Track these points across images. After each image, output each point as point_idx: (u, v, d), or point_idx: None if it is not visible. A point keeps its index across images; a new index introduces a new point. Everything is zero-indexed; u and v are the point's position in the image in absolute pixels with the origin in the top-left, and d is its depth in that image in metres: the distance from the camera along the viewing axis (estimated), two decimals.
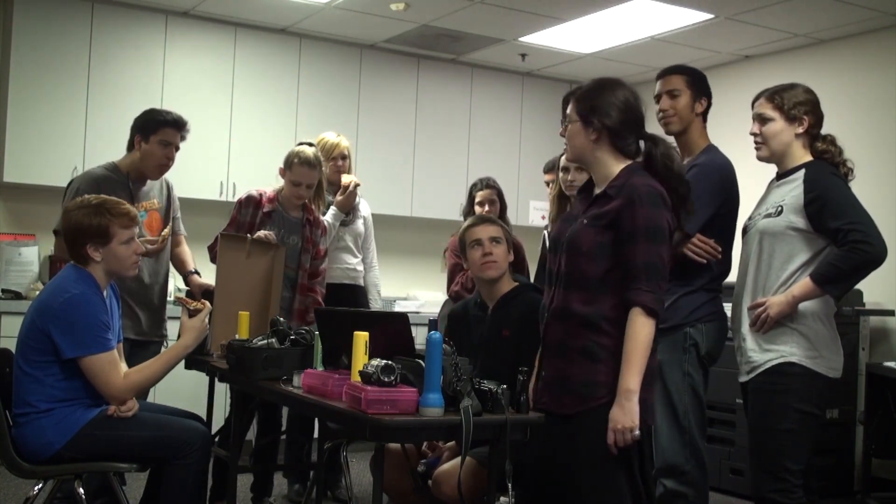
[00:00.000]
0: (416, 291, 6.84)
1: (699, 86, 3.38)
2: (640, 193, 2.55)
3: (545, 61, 7.04)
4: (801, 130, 3.10)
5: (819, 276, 2.95)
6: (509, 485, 2.71)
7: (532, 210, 7.07)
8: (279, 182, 4.29)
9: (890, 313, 5.55)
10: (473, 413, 2.60)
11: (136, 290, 3.97)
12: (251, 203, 4.18)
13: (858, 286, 5.19)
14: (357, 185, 4.53)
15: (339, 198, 4.52)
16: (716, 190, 3.24)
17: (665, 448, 3.17)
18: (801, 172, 3.07)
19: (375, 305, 4.91)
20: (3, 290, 5.58)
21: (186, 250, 4.29)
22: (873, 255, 2.92)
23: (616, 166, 2.66)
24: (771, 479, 3.00)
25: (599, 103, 2.64)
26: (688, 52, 6.33)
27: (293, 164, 4.18)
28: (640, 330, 2.50)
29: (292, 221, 4.25)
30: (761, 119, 3.14)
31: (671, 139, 3.42)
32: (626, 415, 2.49)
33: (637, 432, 2.49)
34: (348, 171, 4.68)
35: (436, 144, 7.00)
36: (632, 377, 2.49)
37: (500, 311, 3.30)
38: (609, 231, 2.58)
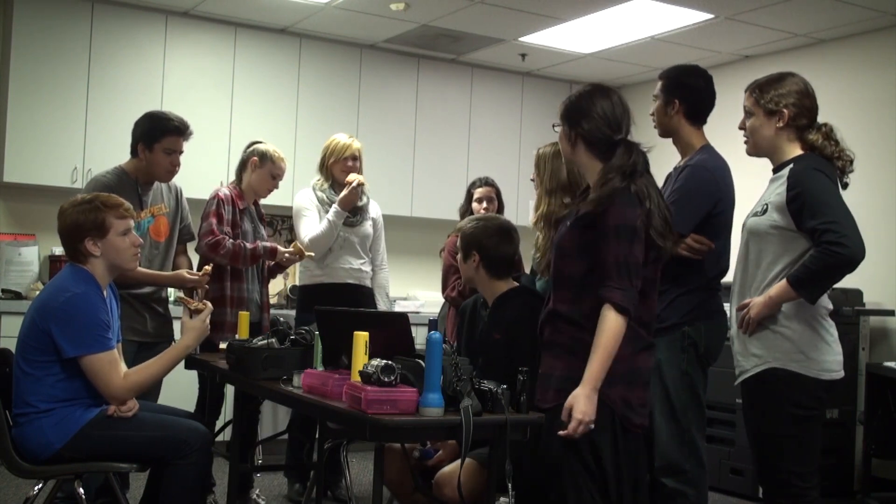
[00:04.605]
0: (416, 291, 6.84)
1: (670, 89, 3.35)
2: (611, 193, 2.60)
3: (545, 61, 7.04)
4: (781, 124, 3.01)
5: (793, 278, 2.87)
6: (509, 485, 2.71)
7: (532, 210, 7.06)
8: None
9: (890, 313, 5.55)
10: (473, 413, 2.61)
11: (140, 292, 3.98)
12: (228, 202, 4.27)
13: (858, 286, 5.28)
14: (361, 184, 4.53)
15: (341, 195, 4.53)
16: (706, 190, 3.22)
17: (664, 447, 3.16)
18: (788, 168, 2.98)
19: (383, 308, 4.85)
20: (3, 290, 5.59)
21: (186, 261, 4.25)
22: (846, 257, 2.78)
23: (599, 169, 2.72)
24: (777, 486, 2.97)
25: (575, 113, 2.75)
26: (688, 52, 6.33)
27: (275, 159, 4.36)
28: (609, 326, 2.55)
29: (255, 214, 4.45)
30: (745, 113, 3.09)
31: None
32: (591, 406, 2.53)
33: (592, 425, 2.53)
34: (359, 173, 4.68)
35: (436, 144, 7.00)
36: (597, 371, 2.55)
37: (496, 312, 3.30)
38: (589, 231, 2.63)
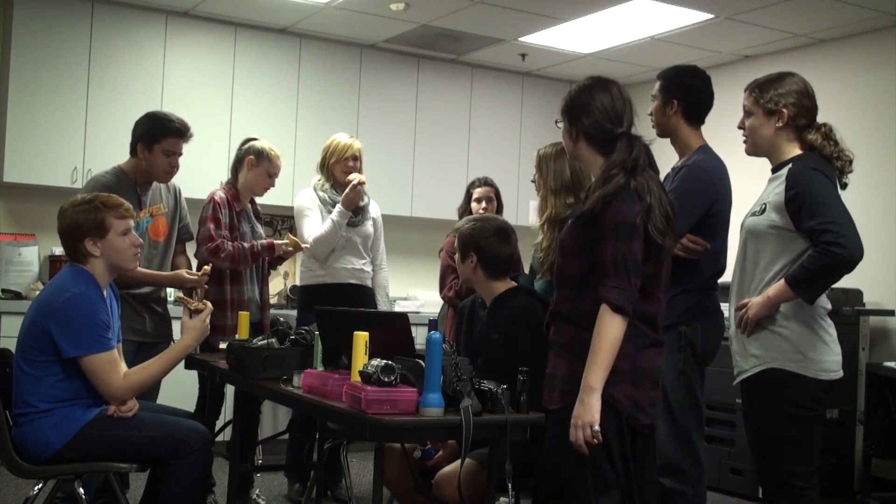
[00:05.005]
0: (416, 291, 6.84)
1: (669, 89, 3.35)
2: (609, 190, 2.57)
3: (545, 61, 7.04)
4: (780, 124, 3.00)
5: (791, 278, 2.86)
6: (509, 485, 2.71)
7: (532, 210, 7.06)
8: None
9: (890, 313, 5.55)
10: (473, 413, 2.60)
11: (139, 292, 3.97)
12: (225, 204, 4.26)
13: (858, 286, 5.28)
14: (361, 183, 4.53)
15: (344, 194, 4.52)
16: (702, 191, 3.22)
17: (662, 446, 3.15)
18: (787, 168, 2.96)
19: (383, 307, 4.85)
20: (3, 290, 5.59)
21: (185, 261, 4.27)
22: (844, 258, 2.77)
23: (601, 163, 2.68)
24: (777, 486, 2.96)
25: (575, 108, 2.71)
26: (688, 52, 6.33)
27: (271, 157, 4.35)
28: (606, 327, 2.50)
29: (251, 213, 4.44)
30: (745, 113, 3.08)
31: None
32: (586, 410, 2.48)
33: (598, 428, 2.47)
34: (359, 173, 4.68)
35: (436, 144, 7.00)
36: (594, 373, 2.49)
37: (494, 313, 3.29)
38: (588, 229, 2.59)
